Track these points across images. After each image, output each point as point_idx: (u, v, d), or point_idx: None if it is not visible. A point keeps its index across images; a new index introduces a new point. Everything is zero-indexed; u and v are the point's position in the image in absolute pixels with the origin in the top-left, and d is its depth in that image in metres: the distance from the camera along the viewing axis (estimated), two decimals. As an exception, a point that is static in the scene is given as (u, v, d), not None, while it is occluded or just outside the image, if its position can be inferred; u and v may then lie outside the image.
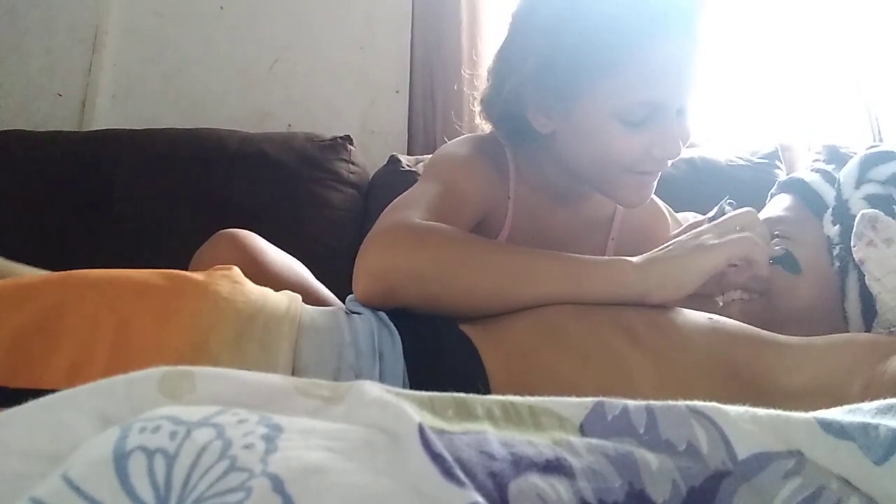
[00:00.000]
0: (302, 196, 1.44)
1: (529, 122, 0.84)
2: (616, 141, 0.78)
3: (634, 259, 0.71)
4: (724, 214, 0.89)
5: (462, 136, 0.98)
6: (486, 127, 0.96)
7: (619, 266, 0.71)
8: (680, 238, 0.74)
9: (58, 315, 0.55)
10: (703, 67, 0.80)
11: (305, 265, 1.10)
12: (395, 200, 0.80)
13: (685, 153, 1.70)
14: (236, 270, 0.68)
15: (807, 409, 0.42)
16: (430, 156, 1.42)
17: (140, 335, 0.55)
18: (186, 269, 0.92)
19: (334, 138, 1.56)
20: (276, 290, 0.68)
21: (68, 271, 0.62)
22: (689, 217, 1.29)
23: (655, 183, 0.86)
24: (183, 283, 0.61)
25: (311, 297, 0.91)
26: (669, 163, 0.83)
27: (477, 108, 0.96)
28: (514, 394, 0.41)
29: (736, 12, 1.90)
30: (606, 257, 0.87)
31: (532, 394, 0.41)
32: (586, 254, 0.80)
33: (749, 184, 1.37)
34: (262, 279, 0.84)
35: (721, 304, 0.85)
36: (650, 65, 0.76)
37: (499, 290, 0.69)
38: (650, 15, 0.75)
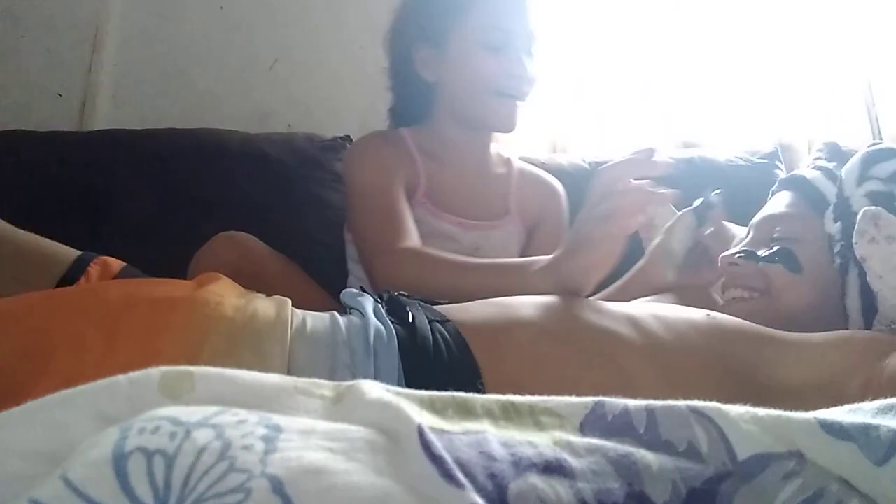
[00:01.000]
0: (302, 196, 1.44)
1: (420, 80, 1.10)
2: (482, 63, 1.05)
3: (545, 260, 0.79)
4: (710, 206, 0.91)
5: (358, 139, 1.22)
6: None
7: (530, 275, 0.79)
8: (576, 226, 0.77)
9: (44, 336, 0.54)
10: (536, 18, 1.08)
11: (305, 265, 1.10)
12: (364, 235, 1.03)
13: (685, 153, 1.72)
14: (224, 279, 0.68)
15: (805, 407, 0.42)
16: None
17: (129, 352, 0.54)
18: (186, 270, 0.92)
19: (334, 138, 1.56)
20: (275, 292, 0.68)
21: (49, 290, 0.61)
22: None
23: (518, 111, 1.08)
24: (170, 297, 0.60)
25: (307, 299, 0.91)
26: (525, 89, 1.07)
27: (387, 119, 1.23)
28: (507, 391, 0.41)
29: (736, 12, 1.90)
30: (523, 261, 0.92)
31: (525, 391, 0.41)
32: (491, 197, 1.16)
33: (749, 184, 1.37)
34: (260, 281, 0.85)
35: (721, 302, 0.85)
36: (493, 1, 1.06)
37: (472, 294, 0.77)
38: None
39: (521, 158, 1.52)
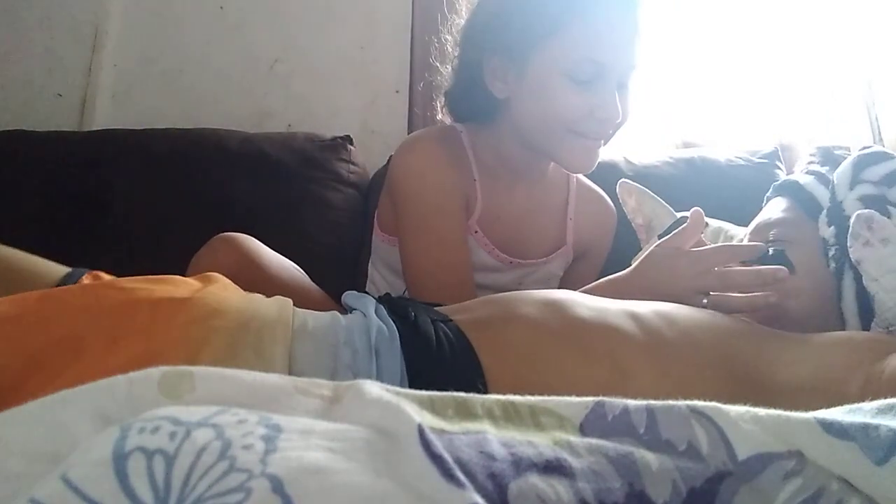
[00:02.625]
0: (302, 196, 1.44)
1: (487, 91, 0.95)
2: (563, 97, 0.88)
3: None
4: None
5: (410, 138, 1.06)
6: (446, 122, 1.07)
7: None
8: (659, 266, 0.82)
9: (44, 336, 0.54)
10: (642, 45, 0.91)
11: (305, 265, 1.10)
12: (415, 268, 0.96)
13: (685, 153, 1.72)
14: (224, 279, 0.68)
15: (805, 407, 0.42)
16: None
17: (129, 353, 0.54)
18: (186, 271, 0.92)
19: (334, 138, 1.56)
20: (274, 293, 0.68)
21: (47, 291, 0.61)
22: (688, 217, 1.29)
23: (599, 151, 0.94)
24: (170, 297, 0.60)
25: (308, 301, 0.91)
26: (611, 132, 0.92)
27: (441, 102, 1.08)
28: (511, 391, 0.41)
29: (736, 12, 1.90)
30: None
31: (529, 391, 0.41)
32: (546, 231, 1.04)
33: (749, 184, 1.37)
34: (260, 283, 0.85)
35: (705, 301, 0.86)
36: (593, 24, 0.87)
37: None
38: None
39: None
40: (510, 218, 1.03)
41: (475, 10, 0.99)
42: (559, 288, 1.11)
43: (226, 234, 0.97)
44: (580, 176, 1.13)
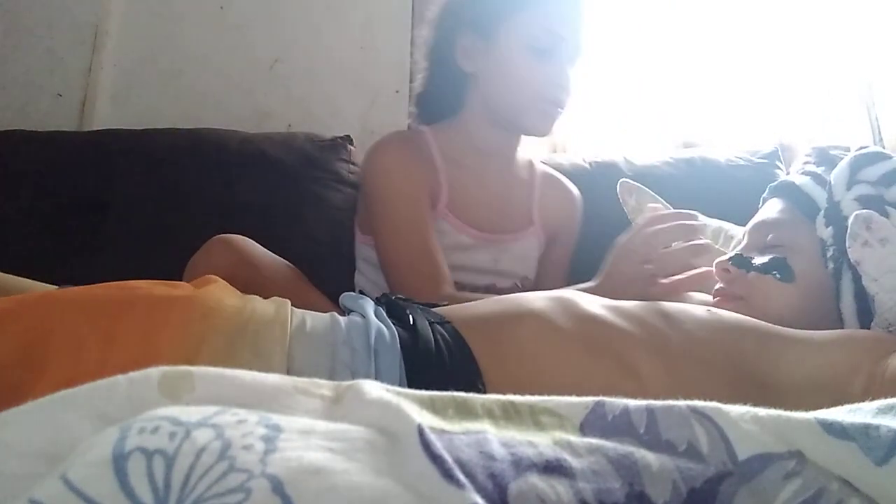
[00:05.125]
0: (302, 196, 1.44)
1: (457, 71, 1.08)
2: (526, 66, 1.03)
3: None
4: None
5: (376, 142, 1.16)
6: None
7: None
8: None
9: (41, 337, 0.54)
10: (586, 35, 1.07)
11: (305, 265, 1.10)
12: (396, 265, 1.03)
13: (685, 153, 1.72)
14: (222, 281, 0.68)
15: (806, 406, 0.42)
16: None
17: (127, 352, 0.54)
18: (183, 271, 0.92)
19: (334, 138, 1.56)
20: (271, 295, 0.68)
21: (47, 292, 0.61)
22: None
23: (555, 118, 1.07)
24: (168, 296, 0.60)
25: (305, 302, 0.91)
26: (564, 99, 1.06)
27: (411, 109, 1.22)
28: (509, 390, 0.41)
29: (736, 12, 1.90)
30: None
31: (527, 390, 0.41)
32: (514, 208, 1.15)
33: (749, 184, 1.37)
34: (256, 285, 0.85)
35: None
36: (551, 4, 1.04)
37: None
38: None
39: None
40: (478, 198, 1.12)
41: (443, 5, 1.14)
42: (539, 277, 1.18)
43: (222, 236, 0.97)
44: (543, 164, 1.26)
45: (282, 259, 1.04)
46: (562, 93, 1.05)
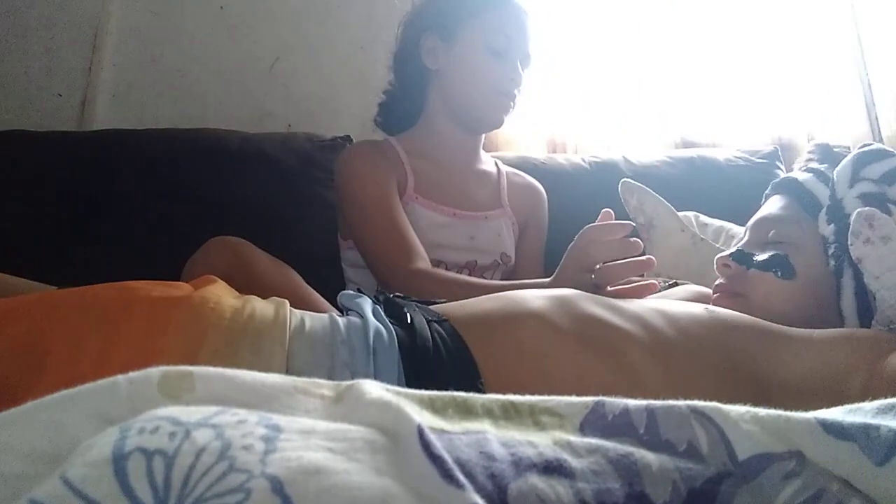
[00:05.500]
0: (302, 196, 1.44)
1: (421, 68, 1.21)
2: (484, 64, 1.17)
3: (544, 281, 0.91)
4: None
5: (346, 148, 1.32)
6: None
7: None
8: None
9: (41, 338, 0.54)
10: (534, 46, 1.21)
11: (305, 265, 1.10)
12: (374, 253, 1.11)
13: (685, 153, 1.73)
14: (220, 282, 0.68)
15: (806, 406, 0.41)
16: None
17: (127, 352, 0.54)
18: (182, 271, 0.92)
19: (334, 138, 1.56)
20: (268, 296, 0.68)
21: (46, 293, 0.61)
22: (690, 217, 1.29)
23: (509, 110, 1.20)
24: (168, 296, 0.60)
25: (302, 304, 0.92)
26: (516, 94, 1.19)
27: (376, 119, 1.33)
28: (508, 389, 0.41)
29: (736, 11, 1.90)
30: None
31: (525, 389, 0.41)
32: (483, 190, 1.25)
33: (749, 184, 1.37)
34: (255, 286, 0.85)
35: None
36: (504, 11, 1.19)
37: None
38: None
39: (521, 158, 1.53)
40: (445, 183, 1.22)
41: (415, 2, 1.29)
42: (516, 266, 1.26)
43: (220, 237, 0.97)
44: (506, 166, 1.35)
45: (280, 261, 1.04)
46: (513, 86, 1.18)
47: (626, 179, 1.29)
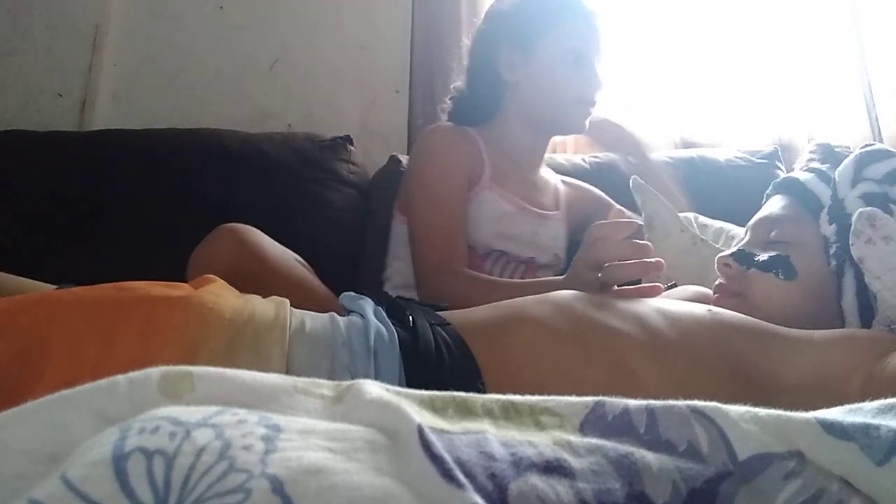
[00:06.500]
0: (302, 196, 1.44)
1: (498, 80, 1.22)
2: (566, 73, 1.17)
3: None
4: None
5: (431, 126, 1.31)
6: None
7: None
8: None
9: (41, 338, 0.54)
10: (604, 41, 1.22)
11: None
12: (420, 240, 1.14)
13: (685, 153, 1.73)
14: (220, 281, 0.67)
15: (806, 406, 0.41)
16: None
17: (126, 352, 0.54)
18: (186, 270, 0.92)
19: (334, 138, 1.56)
20: (276, 286, 0.68)
21: (46, 293, 0.61)
22: (689, 218, 1.30)
23: (590, 115, 1.21)
24: (168, 297, 0.60)
25: (310, 294, 0.93)
26: (598, 97, 1.20)
27: (446, 106, 1.32)
28: (508, 392, 0.41)
29: (736, 11, 1.90)
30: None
31: (526, 392, 0.41)
32: (546, 192, 1.29)
33: (749, 184, 1.37)
34: (263, 275, 0.85)
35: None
36: (580, 17, 1.20)
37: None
38: None
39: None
40: (517, 176, 1.24)
41: (488, 15, 1.29)
42: None
43: (228, 225, 0.96)
44: (561, 175, 1.39)
45: (289, 251, 1.03)
46: (596, 90, 1.19)
47: (634, 177, 1.29)
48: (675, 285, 1.02)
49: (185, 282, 0.67)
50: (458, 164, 1.17)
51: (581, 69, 1.18)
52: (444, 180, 1.15)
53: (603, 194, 1.37)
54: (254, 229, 0.98)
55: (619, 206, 0.89)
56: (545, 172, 1.34)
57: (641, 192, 1.26)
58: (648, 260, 0.81)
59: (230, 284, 0.80)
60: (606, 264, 0.82)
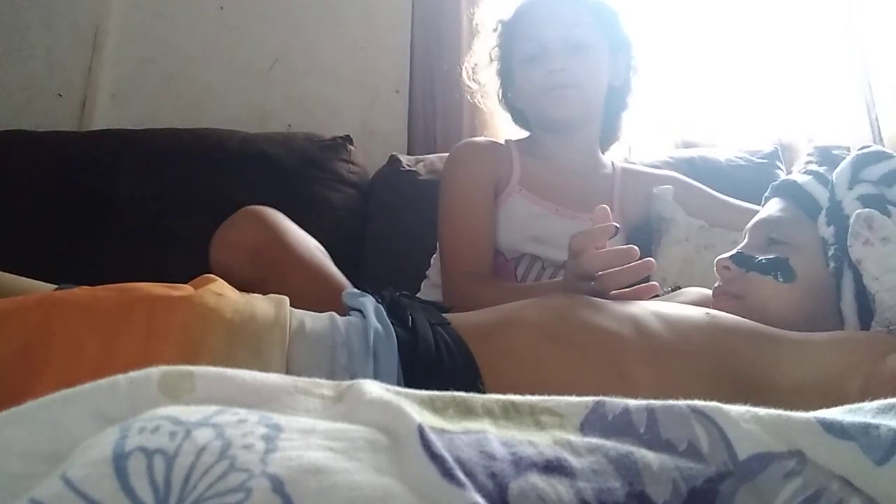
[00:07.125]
0: (302, 196, 1.44)
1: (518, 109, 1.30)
2: (527, 76, 1.21)
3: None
4: None
5: (465, 141, 1.33)
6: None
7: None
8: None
9: (42, 338, 0.54)
10: (578, 29, 1.21)
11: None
12: (444, 243, 1.19)
13: (685, 153, 1.73)
14: (220, 281, 0.68)
15: (806, 407, 0.41)
16: (429, 156, 1.49)
17: (126, 353, 0.54)
18: (186, 270, 0.92)
19: (334, 138, 1.56)
20: (296, 268, 0.68)
21: (47, 293, 0.61)
22: (693, 224, 1.30)
23: (568, 97, 1.19)
24: (168, 297, 0.60)
25: (327, 280, 0.93)
26: (561, 79, 1.18)
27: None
28: (507, 393, 0.41)
29: (736, 11, 1.90)
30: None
31: (525, 393, 0.41)
32: (594, 195, 1.20)
33: (749, 184, 1.37)
34: (283, 259, 0.86)
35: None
36: (523, 16, 1.23)
37: None
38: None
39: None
40: (553, 179, 1.24)
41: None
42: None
43: (252, 206, 0.96)
44: (627, 164, 1.37)
45: (309, 236, 1.03)
46: (555, 77, 1.19)
47: (657, 187, 1.28)
48: (678, 288, 1.02)
49: (205, 265, 0.67)
50: (480, 176, 1.20)
51: (537, 66, 1.20)
52: (465, 192, 1.19)
53: (674, 174, 1.34)
54: (277, 212, 0.97)
55: (601, 206, 0.87)
56: (602, 169, 1.31)
57: (651, 197, 1.26)
58: (637, 262, 0.80)
59: (252, 264, 0.82)
60: (597, 274, 0.81)
